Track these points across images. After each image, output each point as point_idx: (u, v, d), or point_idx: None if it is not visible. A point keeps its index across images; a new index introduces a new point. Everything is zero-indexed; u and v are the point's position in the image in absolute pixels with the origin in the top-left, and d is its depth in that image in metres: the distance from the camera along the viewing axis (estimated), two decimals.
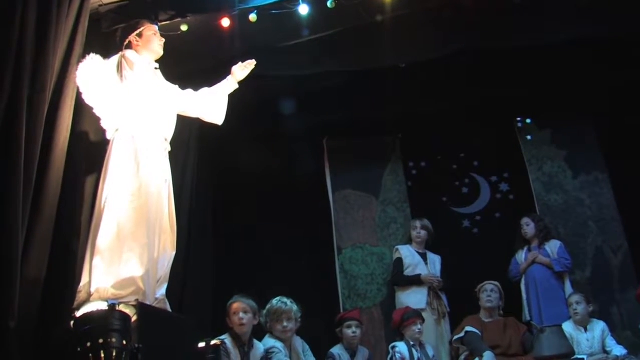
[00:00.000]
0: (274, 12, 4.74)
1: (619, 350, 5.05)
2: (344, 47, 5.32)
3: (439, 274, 5.88)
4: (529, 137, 6.78)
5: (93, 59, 3.58)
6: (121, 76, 3.61)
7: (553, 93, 6.59)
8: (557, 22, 5.28)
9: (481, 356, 5.01)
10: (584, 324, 5.25)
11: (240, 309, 4.45)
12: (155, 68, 3.95)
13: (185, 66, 4.78)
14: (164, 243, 3.65)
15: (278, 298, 4.79)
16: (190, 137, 5.22)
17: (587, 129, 6.73)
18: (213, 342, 3.98)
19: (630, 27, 5.20)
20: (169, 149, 3.85)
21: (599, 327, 5.24)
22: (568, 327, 5.24)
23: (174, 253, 3.75)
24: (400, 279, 5.86)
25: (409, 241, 6.11)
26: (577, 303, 5.27)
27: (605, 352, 5.10)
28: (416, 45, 5.41)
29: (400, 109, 6.47)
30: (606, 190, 6.51)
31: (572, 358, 4.46)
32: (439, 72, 5.98)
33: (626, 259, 6.22)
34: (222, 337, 4.32)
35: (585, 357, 4.98)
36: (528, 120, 6.86)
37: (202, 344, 3.87)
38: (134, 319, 2.98)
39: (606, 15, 5.14)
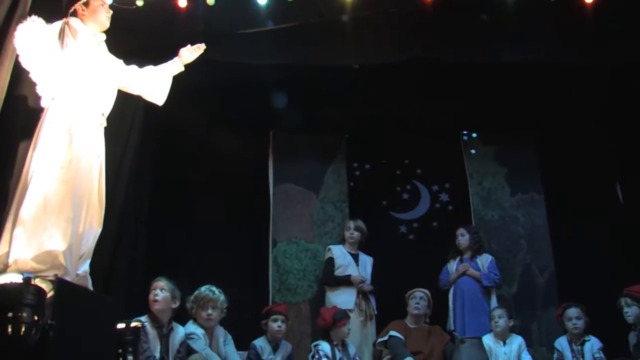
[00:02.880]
0: None
1: None
2: (299, 41, 5.28)
3: (369, 275, 5.93)
4: (473, 151, 6.91)
5: (34, 21, 3.45)
6: (62, 43, 3.49)
7: (501, 111, 6.74)
8: (512, 42, 5.37)
9: None
10: (503, 338, 5.38)
11: (157, 287, 4.44)
12: (102, 40, 3.85)
13: (135, 42, 4.66)
14: (90, 219, 3.55)
15: (207, 286, 4.79)
16: (134, 116, 5.09)
17: (529, 149, 6.91)
18: (133, 324, 3.92)
19: (578, 55, 5.33)
20: (105, 124, 3.75)
21: (516, 341, 5.38)
22: (488, 339, 5.37)
23: (100, 230, 3.66)
24: (330, 279, 5.88)
25: (342, 241, 6.12)
26: (499, 317, 5.39)
27: None
28: (372, 47, 5.42)
29: (350, 110, 6.51)
30: (540, 211, 6.69)
31: None
32: (392, 77, 6.03)
33: (551, 279, 6.42)
34: (142, 317, 4.26)
35: None
36: (474, 135, 6.98)
37: (121, 325, 3.80)
38: (50, 294, 2.89)
39: (556, 40, 5.26)
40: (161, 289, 4.44)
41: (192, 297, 4.71)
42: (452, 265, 6.06)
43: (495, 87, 6.27)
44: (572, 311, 5.27)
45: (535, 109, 6.70)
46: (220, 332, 4.79)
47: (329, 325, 5.21)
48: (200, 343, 4.50)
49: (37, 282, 2.84)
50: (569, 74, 5.86)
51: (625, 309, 5.05)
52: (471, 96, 6.45)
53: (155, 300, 4.40)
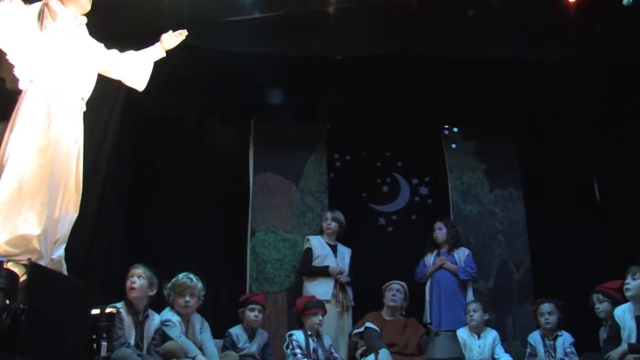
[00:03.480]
0: None
1: (506, 358, 5.26)
2: (284, 31, 5.27)
3: (347, 266, 5.94)
4: (453, 146, 6.92)
5: (12, 1, 3.39)
6: (41, 25, 3.44)
7: (482, 106, 6.78)
8: (495, 38, 5.41)
9: (377, 352, 5.10)
10: (477, 331, 5.42)
11: (135, 274, 4.42)
12: (83, 23, 3.80)
13: (117, 27, 4.63)
14: (66, 204, 3.53)
15: (185, 273, 4.79)
16: (115, 102, 5.05)
17: (509, 146, 6.94)
18: (108, 310, 3.89)
19: (558, 53, 5.38)
20: (84, 108, 3.72)
21: (491, 335, 5.43)
22: (463, 332, 5.42)
23: (76, 215, 3.64)
24: (308, 269, 5.89)
25: (321, 232, 6.13)
26: (474, 311, 5.44)
27: (494, 359, 5.30)
28: (356, 39, 5.41)
29: (333, 101, 6.50)
30: (518, 207, 6.74)
31: None
32: (375, 70, 6.03)
33: (527, 275, 6.49)
34: (117, 304, 4.25)
35: None
36: (455, 129, 6.99)
37: (95, 310, 3.78)
38: (23, 278, 2.87)
39: (537, 38, 5.30)
40: (139, 277, 4.42)
41: (169, 284, 4.71)
42: (430, 259, 6.09)
43: (477, 83, 6.30)
44: (545, 307, 5.33)
45: (515, 105, 6.75)
46: (197, 320, 4.79)
47: (300, 312, 5.25)
48: (175, 330, 4.50)
49: (10, 265, 2.83)
50: (549, 72, 5.91)
51: (597, 305, 5.13)
52: (453, 91, 6.46)
53: (133, 288, 4.39)
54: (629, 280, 4.48)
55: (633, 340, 4.39)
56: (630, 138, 6.43)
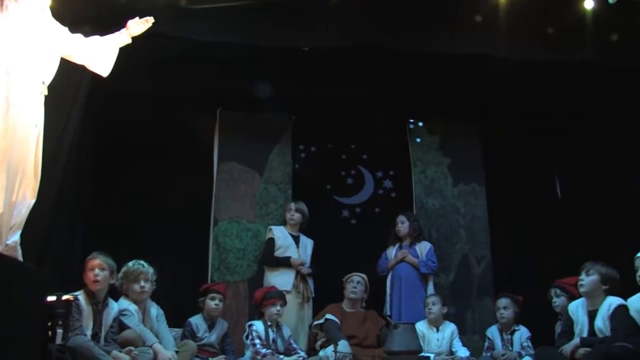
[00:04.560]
0: None
1: (463, 352, 5.35)
2: (251, 20, 5.23)
3: (309, 257, 5.97)
4: (418, 140, 6.96)
5: None
6: (2, 6, 3.37)
7: (447, 101, 6.83)
8: (461, 33, 5.44)
9: (336, 344, 5.14)
10: (436, 324, 5.51)
11: (96, 266, 4.36)
12: (47, 5, 3.73)
13: (82, 11, 4.54)
14: (24, 189, 3.46)
15: (134, 260, 4.76)
16: (79, 87, 4.96)
17: (474, 142, 7.01)
18: (65, 297, 3.85)
19: (523, 50, 5.44)
20: (46, 92, 3.65)
21: (449, 328, 5.52)
22: (422, 325, 5.48)
23: (34, 201, 3.57)
24: (270, 259, 5.89)
25: (283, 222, 6.13)
26: (433, 304, 5.52)
27: (452, 352, 5.38)
28: (324, 30, 5.40)
29: (299, 91, 6.48)
30: (481, 202, 6.82)
31: (420, 355, 4.64)
32: (343, 62, 6.04)
33: (487, 270, 6.58)
34: (77, 292, 4.20)
35: (432, 355, 5.22)
36: (420, 124, 7.03)
37: (52, 298, 3.74)
38: None
39: (502, 34, 5.35)
40: (101, 269, 4.36)
41: (120, 274, 4.65)
42: (391, 252, 6.14)
43: (443, 77, 6.34)
44: (502, 301, 5.43)
45: (480, 101, 6.82)
46: (153, 308, 4.76)
47: (258, 303, 5.27)
48: (133, 319, 4.47)
49: None
50: (515, 68, 5.96)
51: (554, 299, 5.22)
52: (419, 85, 6.51)
53: (96, 281, 4.32)
54: (583, 276, 4.57)
55: (585, 335, 4.49)
56: (591, 135, 6.55)
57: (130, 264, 4.71)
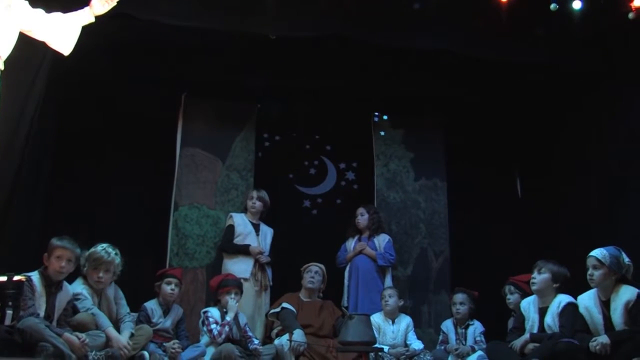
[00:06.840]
0: None
1: (417, 344, 5.41)
2: (219, 6, 5.21)
3: (268, 246, 5.96)
4: (382, 133, 7.00)
5: None
6: None
7: (412, 96, 6.89)
8: (429, 29, 5.50)
9: (291, 333, 5.16)
10: (392, 317, 5.56)
11: (66, 257, 4.25)
12: None
13: None
14: None
15: (104, 245, 4.62)
16: (40, 66, 4.86)
17: (437, 137, 7.08)
18: (16, 278, 3.78)
19: (488, 48, 5.52)
20: (2, 67, 3.55)
21: (405, 321, 5.57)
22: (378, 317, 5.53)
23: None
24: (229, 247, 5.86)
25: (244, 210, 6.10)
26: (390, 296, 5.56)
27: (406, 345, 5.44)
28: (291, 20, 5.39)
29: (265, 80, 6.45)
30: (442, 197, 6.91)
31: (374, 347, 4.68)
32: (309, 52, 6.04)
33: (445, 264, 6.67)
34: (30, 273, 4.12)
35: (386, 347, 5.28)
36: (384, 117, 7.07)
37: (2, 278, 3.67)
38: None
39: (470, 32, 5.42)
40: (69, 260, 4.26)
41: (86, 254, 4.53)
42: (351, 244, 6.18)
43: (408, 72, 6.40)
44: (458, 297, 5.50)
45: (445, 97, 6.89)
46: (111, 290, 4.67)
47: (214, 290, 5.27)
48: (87, 303, 4.39)
49: None
50: (480, 65, 6.03)
51: (508, 296, 5.32)
52: (385, 78, 6.54)
53: (61, 272, 4.24)
54: (535, 274, 4.67)
55: (535, 331, 4.61)
56: (552, 135, 6.66)
57: (99, 248, 4.58)
